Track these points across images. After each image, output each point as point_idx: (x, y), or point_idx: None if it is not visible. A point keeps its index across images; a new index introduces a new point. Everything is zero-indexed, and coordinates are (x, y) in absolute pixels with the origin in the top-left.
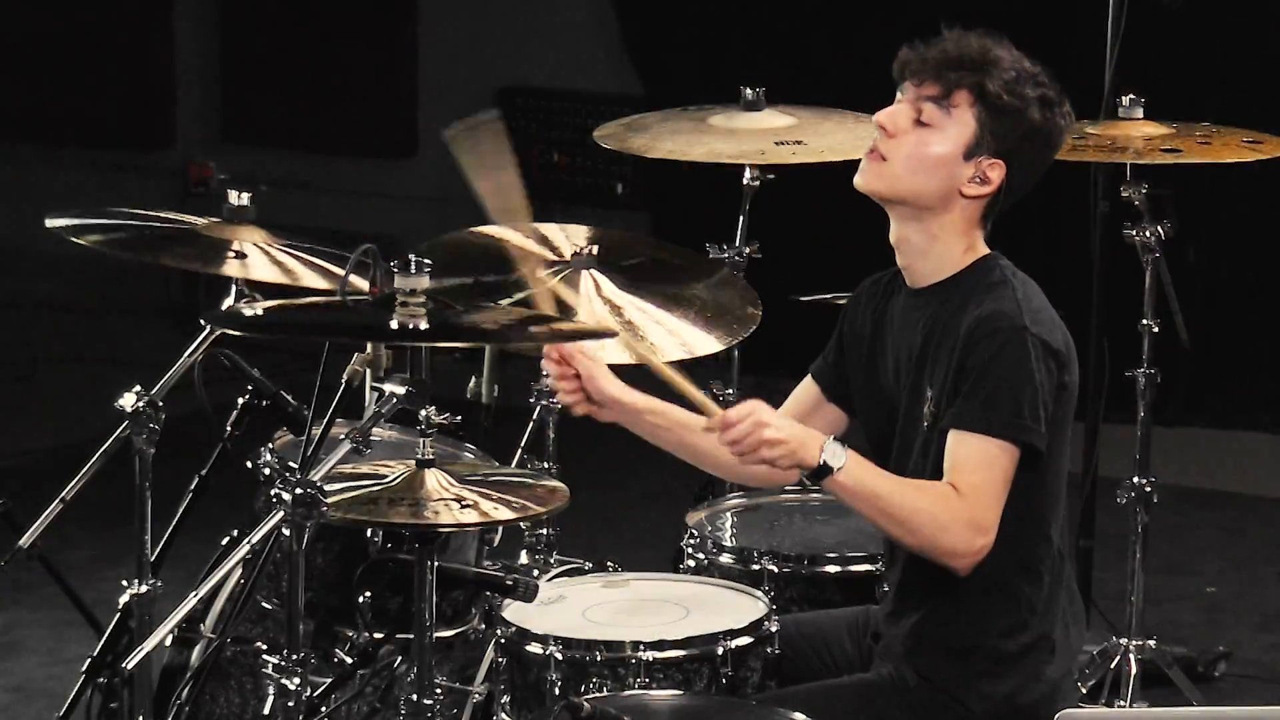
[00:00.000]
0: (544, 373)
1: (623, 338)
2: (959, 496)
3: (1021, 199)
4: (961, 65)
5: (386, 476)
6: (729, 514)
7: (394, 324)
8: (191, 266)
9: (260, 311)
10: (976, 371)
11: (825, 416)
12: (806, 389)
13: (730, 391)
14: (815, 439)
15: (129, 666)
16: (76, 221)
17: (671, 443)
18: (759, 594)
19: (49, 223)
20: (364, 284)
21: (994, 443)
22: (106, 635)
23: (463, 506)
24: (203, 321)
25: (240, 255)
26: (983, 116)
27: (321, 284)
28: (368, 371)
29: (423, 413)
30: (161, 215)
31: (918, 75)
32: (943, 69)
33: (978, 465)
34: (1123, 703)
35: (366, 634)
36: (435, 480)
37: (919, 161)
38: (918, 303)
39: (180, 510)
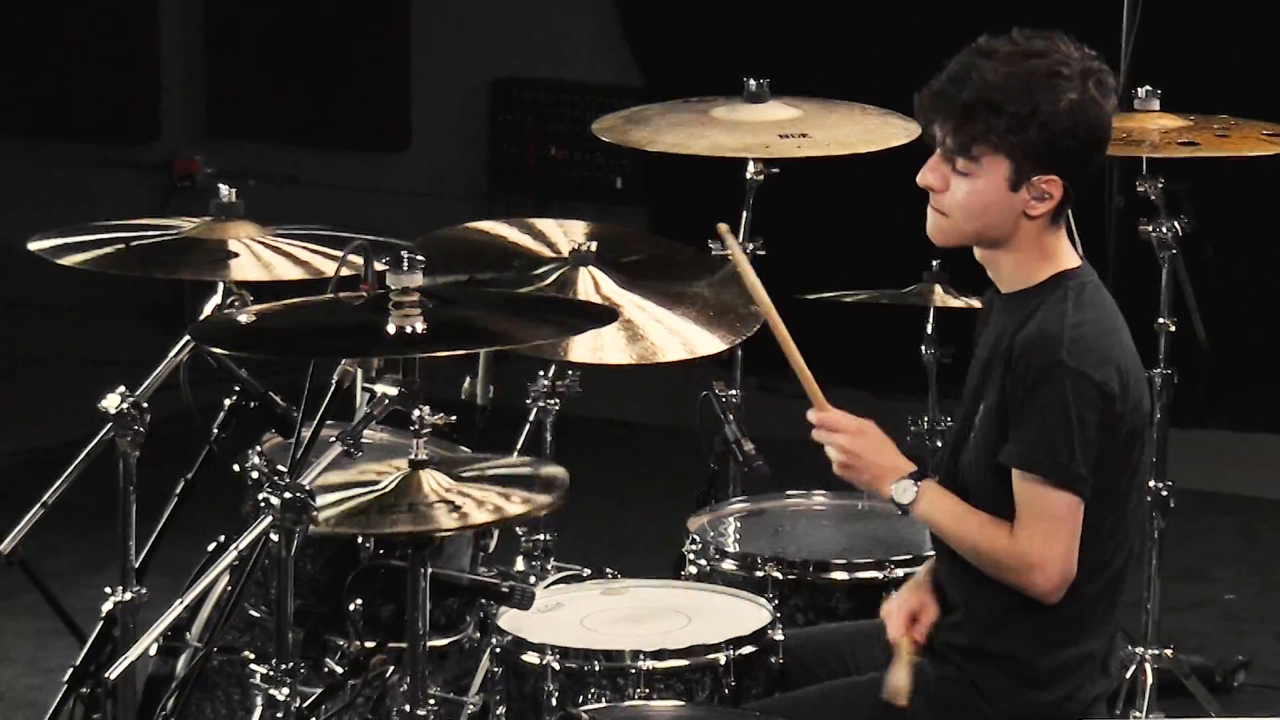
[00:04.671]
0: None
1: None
2: (1009, 538)
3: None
4: (970, 116)
5: (379, 482)
6: (732, 519)
7: (390, 328)
8: (185, 276)
9: (251, 318)
10: (1018, 407)
11: None
12: None
13: (734, 393)
14: (894, 473)
15: (112, 676)
16: (59, 241)
17: None
18: (763, 601)
19: (32, 246)
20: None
21: (1038, 484)
22: (89, 644)
23: (458, 509)
24: (189, 335)
25: (232, 255)
26: (1011, 151)
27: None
28: (359, 372)
29: (416, 413)
30: (146, 223)
31: (935, 124)
32: (954, 122)
33: (1027, 506)
34: (1138, 714)
35: (358, 643)
36: (431, 482)
37: (973, 209)
38: (1003, 308)
39: (165, 515)
